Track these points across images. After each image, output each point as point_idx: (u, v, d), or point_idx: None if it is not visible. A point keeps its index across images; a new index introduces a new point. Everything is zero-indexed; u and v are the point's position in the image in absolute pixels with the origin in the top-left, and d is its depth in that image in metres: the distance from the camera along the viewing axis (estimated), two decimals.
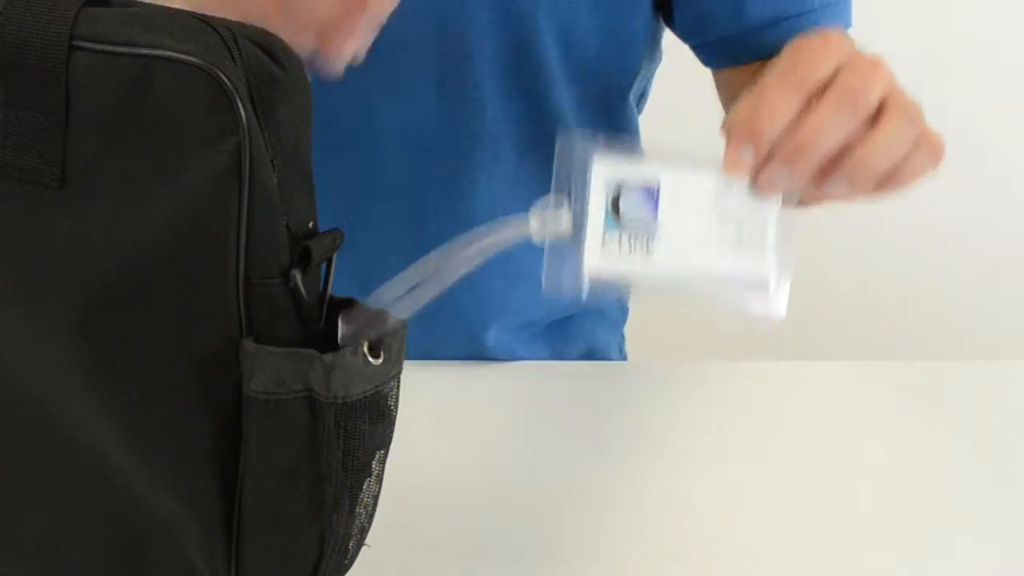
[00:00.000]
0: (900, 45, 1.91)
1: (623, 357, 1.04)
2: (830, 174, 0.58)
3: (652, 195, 0.55)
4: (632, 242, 0.55)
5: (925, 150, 0.60)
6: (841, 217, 1.98)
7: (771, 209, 0.57)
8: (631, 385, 0.89)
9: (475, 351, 0.90)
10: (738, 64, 0.83)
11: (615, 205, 0.55)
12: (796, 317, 2.20)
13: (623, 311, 1.03)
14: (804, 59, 0.58)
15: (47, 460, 0.54)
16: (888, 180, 0.60)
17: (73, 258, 0.50)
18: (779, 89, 0.56)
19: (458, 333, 0.89)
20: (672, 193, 0.56)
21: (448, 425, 0.79)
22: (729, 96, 0.85)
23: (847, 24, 0.84)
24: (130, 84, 0.48)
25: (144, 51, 0.47)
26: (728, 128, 0.59)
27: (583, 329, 0.96)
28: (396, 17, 0.58)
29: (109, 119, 0.48)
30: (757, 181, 0.56)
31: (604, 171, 0.55)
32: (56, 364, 0.51)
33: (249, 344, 0.49)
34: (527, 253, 0.88)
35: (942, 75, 1.90)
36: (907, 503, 0.72)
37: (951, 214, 1.97)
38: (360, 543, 0.57)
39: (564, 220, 0.55)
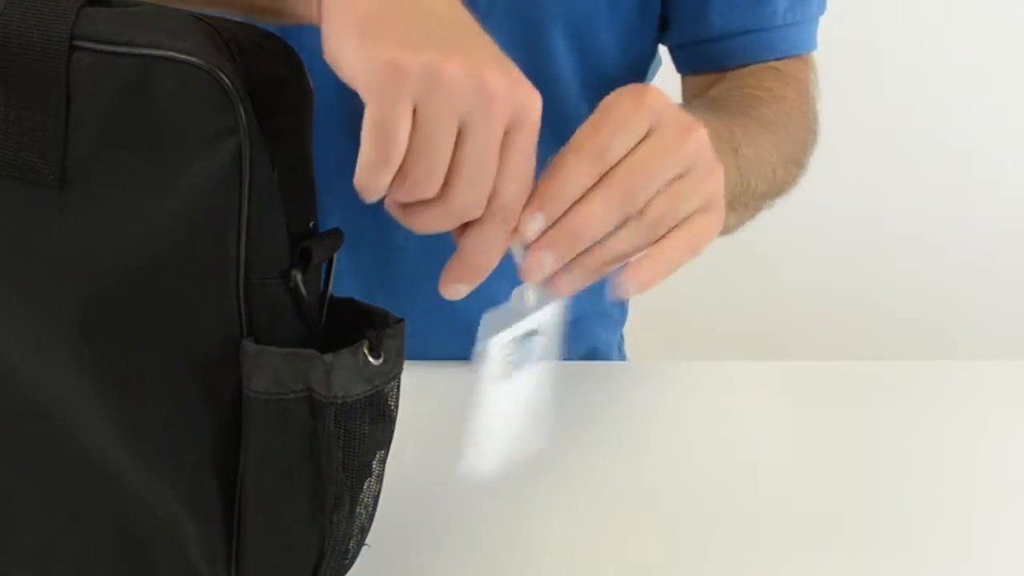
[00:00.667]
0: (900, 45, 1.93)
1: (622, 357, 1.04)
2: (623, 283, 0.55)
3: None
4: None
5: (684, 237, 0.56)
6: (841, 218, 2.00)
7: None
8: (630, 385, 0.89)
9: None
10: (698, 71, 0.84)
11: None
12: (796, 317, 2.20)
13: (623, 312, 1.03)
14: (605, 126, 0.53)
15: (47, 460, 0.54)
16: (648, 282, 0.56)
17: (73, 258, 0.50)
18: (574, 161, 0.52)
19: (457, 335, 0.89)
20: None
21: (448, 425, 0.79)
22: (687, 102, 0.85)
23: (811, 47, 0.84)
24: (130, 84, 0.48)
25: (144, 51, 0.47)
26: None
27: (585, 330, 0.96)
28: None
29: (109, 119, 0.48)
30: (524, 264, 0.54)
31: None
32: (56, 364, 0.51)
33: (249, 344, 0.49)
34: None
35: (941, 75, 1.90)
36: (907, 503, 0.72)
37: (951, 214, 1.97)
38: (360, 543, 0.57)
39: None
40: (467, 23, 0.51)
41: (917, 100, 1.91)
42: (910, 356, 1.26)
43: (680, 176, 0.55)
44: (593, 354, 0.98)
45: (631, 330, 1.04)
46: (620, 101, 0.55)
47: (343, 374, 0.49)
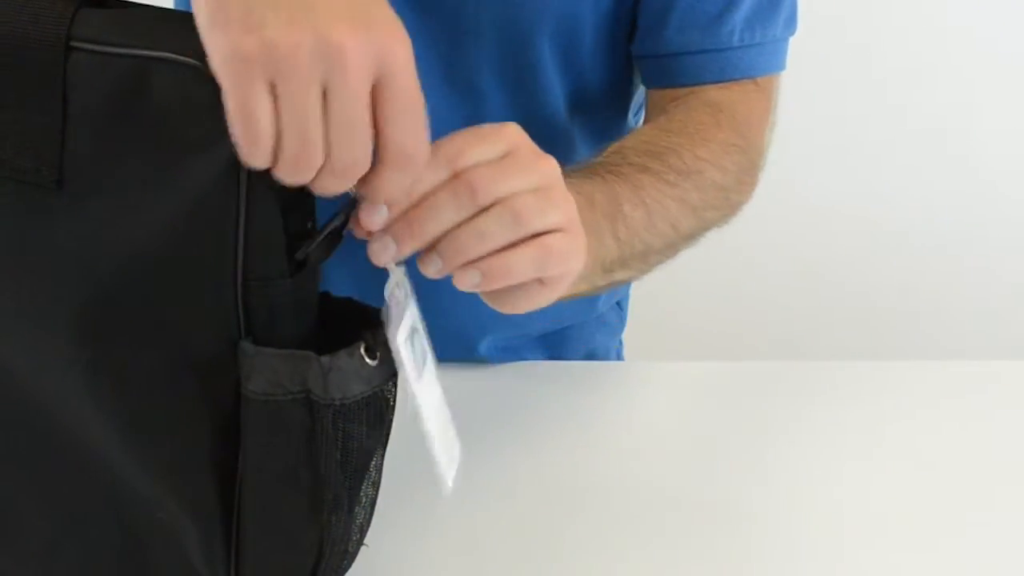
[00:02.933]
0: (900, 45, 1.92)
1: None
2: (429, 253, 0.55)
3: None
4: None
5: (530, 250, 0.56)
6: (841, 218, 2.00)
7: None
8: (629, 386, 0.89)
9: (471, 361, 0.90)
10: (656, 85, 0.84)
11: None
12: (796, 317, 2.20)
13: (621, 318, 1.03)
14: (465, 138, 0.55)
15: (47, 461, 0.54)
16: (488, 275, 0.56)
17: (72, 259, 0.50)
18: (431, 163, 0.53)
19: (448, 340, 0.89)
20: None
21: None
22: (650, 115, 0.85)
23: (771, 69, 0.83)
24: (128, 85, 0.48)
25: (142, 52, 0.47)
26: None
27: (584, 335, 0.96)
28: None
29: (107, 120, 0.48)
30: (369, 247, 0.54)
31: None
32: (55, 365, 0.51)
33: (247, 345, 0.49)
34: None
35: (941, 76, 1.90)
36: (907, 503, 0.72)
37: (951, 215, 1.97)
38: (359, 543, 0.57)
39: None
40: None
41: (917, 100, 1.91)
42: (910, 356, 1.25)
43: (532, 190, 0.56)
44: (591, 359, 0.98)
45: (631, 330, 1.04)
46: (483, 127, 0.57)
47: (340, 375, 0.49)
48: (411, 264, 0.56)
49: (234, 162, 0.48)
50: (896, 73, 1.90)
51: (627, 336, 1.04)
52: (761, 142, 0.83)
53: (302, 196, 0.51)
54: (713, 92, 0.81)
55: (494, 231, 0.55)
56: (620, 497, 0.72)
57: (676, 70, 0.82)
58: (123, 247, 0.49)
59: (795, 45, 0.86)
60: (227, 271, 0.49)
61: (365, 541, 0.58)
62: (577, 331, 0.95)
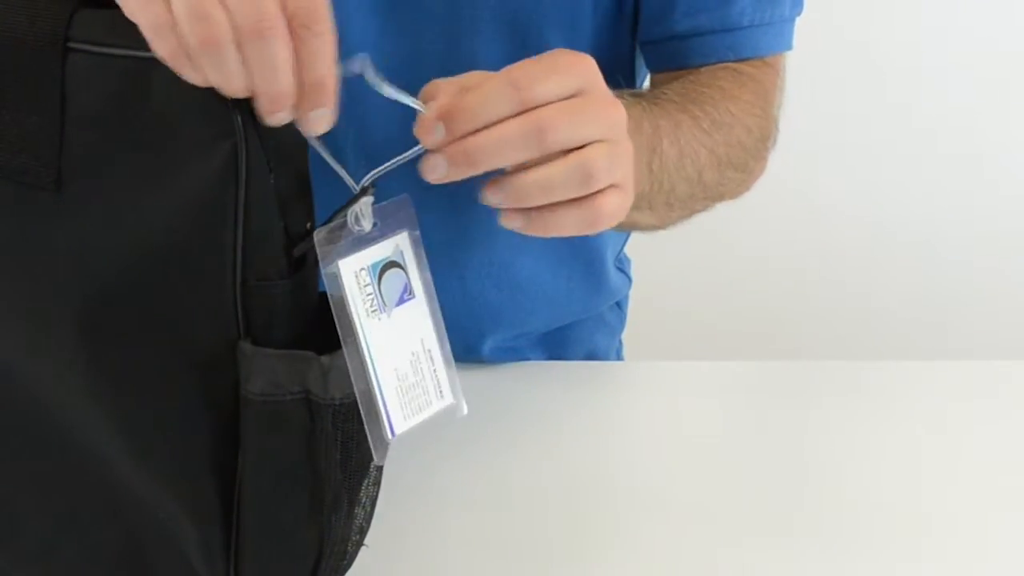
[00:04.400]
0: (900, 45, 1.92)
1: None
2: (492, 187, 0.55)
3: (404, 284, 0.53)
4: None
5: (582, 211, 0.56)
6: (840, 218, 1.99)
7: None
8: (629, 386, 0.89)
9: (471, 361, 0.90)
10: (663, 69, 0.84)
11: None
12: (796, 317, 2.20)
13: (621, 317, 1.03)
14: (541, 68, 0.54)
15: (46, 461, 0.54)
16: (535, 225, 0.56)
17: (70, 260, 0.50)
18: (500, 86, 0.52)
19: (452, 343, 0.89)
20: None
21: (446, 426, 0.79)
22: None
23: (778, 48, 0.84)
24: (126, 86, 0.48)
25: (140, 53, 0.47)
26: (433, 91, 0.56)
27: (583, 335, 0.96)
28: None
29: (105, 121, 0.48)
30: (421, 163, 0.53)
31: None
32: (55, 365, 0.51)
33: (246, 346, 0.49)
34: (523, 265, 0.88)
35: (942, 75, 1.90)
36: (907, 503, 0.72)
37: (952, 215, 1.97)
38: (359, 544, 0.57)
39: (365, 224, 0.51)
40: None
41: (917, 100, 1.91)
42: (910, 356, 1.25)
43: (596, 141, 0.55)
44: (591, 359, 0.98)
45: (630, 330, 1.04)
46: (562, 55, 0.55)
47: (340, 376, 0.49)
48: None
49: (233, 162, 0.48)
50: (896, 72, 1.90)
51: (627, 336, 1.04)
52: (775, 114, 0.84)
53: (301, 196, 0.51)
54: (724, 67, 0.81)
55: (563, 185, 0.55)
56: (619, 497, 0.72)
57: (686, 52, 0.81)
58: (122, 247, 0.49)
59: (795, 44, 0.86)
60: (226, 272, 0.49)
61: (365, 541, 0.58)
62: (577, 331, 0.95)
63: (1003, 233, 1.98)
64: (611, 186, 0.57)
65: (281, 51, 0.45)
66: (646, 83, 0.90)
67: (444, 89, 0.56)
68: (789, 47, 0.85)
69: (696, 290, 1.95)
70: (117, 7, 0.50)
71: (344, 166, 0.50)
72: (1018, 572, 0.66)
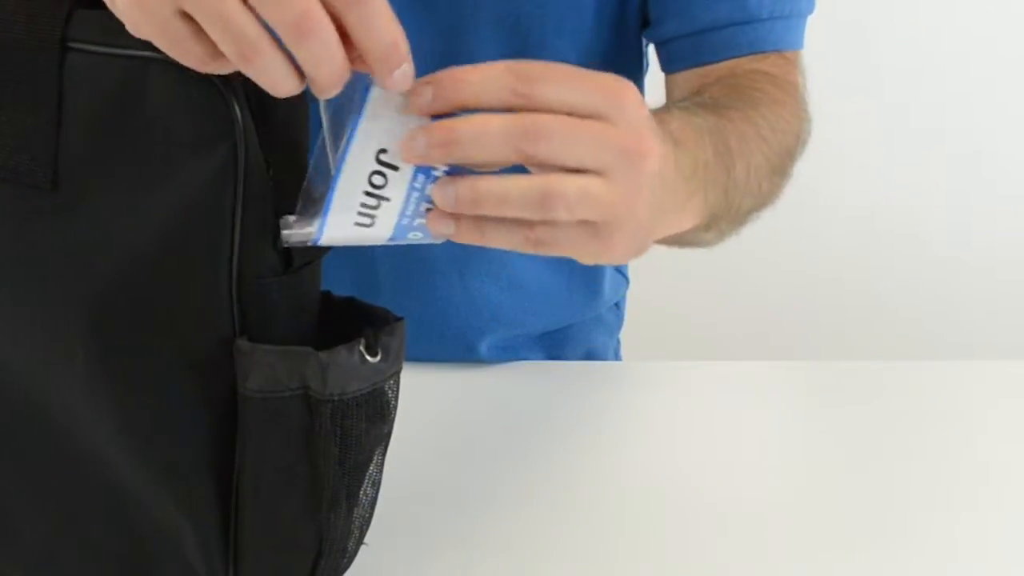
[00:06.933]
0: (899, 44, 1.92)
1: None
2: (440, 182, 0.48)
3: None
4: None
5: (532, 231, 0.49)
6: (840, 218, 1.99)
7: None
8: (628, 385, 0.89)
9: (470, 361, 0.90)
10: (680, 68, 0.83)
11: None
12: (796, 317, 2.20)
13: (619, 316, 1.03)
14: (564, 74, 0.48)
15: (45, 461, 0.54)
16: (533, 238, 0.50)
17: (67, 259, 0.50)
18: (504, 72, 0.47)
19: (452, 343, 0.89)
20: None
21: (446, 425, 0.79)
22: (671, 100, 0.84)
23: (797, 45, 0.83)
24: (124, 85, 0.48)
25: (138, 52, 0.47)
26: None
27: (580, 335, 0.96)
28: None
29: (103, 120, 0.48)
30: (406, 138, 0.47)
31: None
32: (52, 365, 0.51)
33: (243, 343, 0.49)
34: (523, 264, 0.88)
35: (941, 75, 1.90)
36: (907, 503, 0.72)
37: (951, 214, 1.97)
38: (359, 542, 0.57)
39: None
40: None
41: (917, 100, 1.91)
42: (910, 356, 1.26)
43: (596, 172, 0.49)
44: (590, 359, 0.98)
45: (629, 330, 1.04)
46: (603, 75, 0.49)
47: (339, 372, 0.49)
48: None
49: (232, 161, 0.48)
50: (896, 71, 1.90)
51: (625, 336, 1.04)
52: (808, 107, 0.81)
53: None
54: (747, 64, 0.80)
55: (514, 204, 0.48)
56: (619, 496, 0.72)
57: (705, 47, 0.80)
58: (119, 247, 0.49)
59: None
60: (223, 270, 0.49)
61: (365, 540, 0.58)
62: (575, 331, 0.95)
63: (1003, 233, 1.98)
64: (583, 222, 0.50)
65: (329, 41, 0.43)
66: (648, 85, 0.90)
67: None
68: (803, 45, 0.83)
69: (694, 290, 1.95)
70: None
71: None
72: (1007, 571, 0.66)
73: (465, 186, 0.48)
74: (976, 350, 1.93)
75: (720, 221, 0.67)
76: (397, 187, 0.48)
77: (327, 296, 0.54)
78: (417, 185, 0.48)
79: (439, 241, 0.51)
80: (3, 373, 0.53)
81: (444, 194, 0.48)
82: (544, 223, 0.49)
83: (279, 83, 0.45)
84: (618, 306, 1.02)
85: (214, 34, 0.44)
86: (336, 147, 0.47)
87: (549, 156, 0.48)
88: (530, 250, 0.51)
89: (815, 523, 0.69)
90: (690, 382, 0.88)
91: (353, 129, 0.47)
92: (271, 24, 0.43)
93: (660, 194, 0.53)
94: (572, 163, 0.48)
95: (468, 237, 0.50)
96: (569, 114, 0.48)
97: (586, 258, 0.52)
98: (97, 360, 0.50)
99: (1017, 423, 0.83)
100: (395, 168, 0.48)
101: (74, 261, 0.50)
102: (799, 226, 1.92)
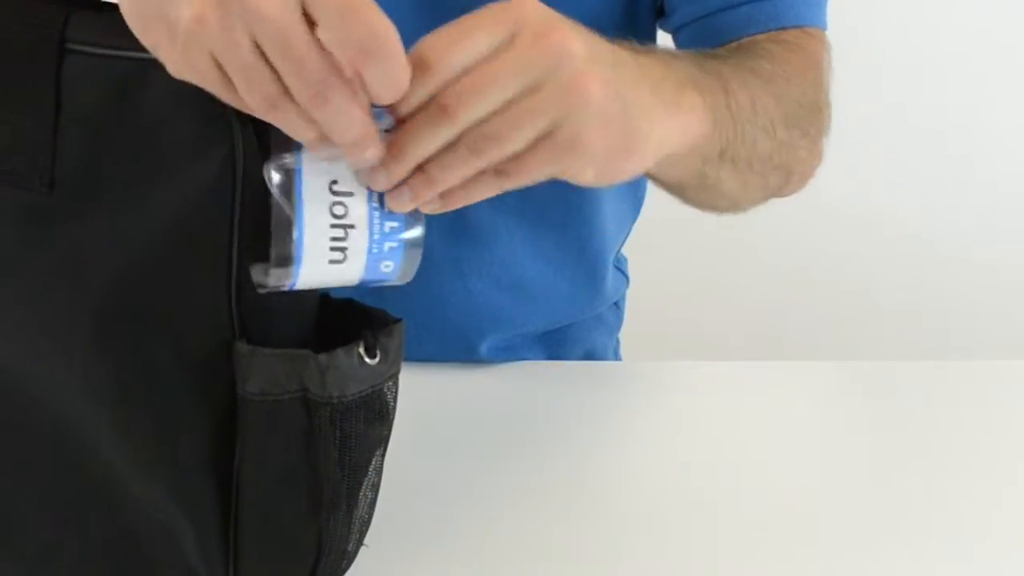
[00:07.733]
0: (899, 44, 1.92)
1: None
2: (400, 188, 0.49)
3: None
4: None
5: (544, 147, 0.49)
6: (840, 217, 1.99)
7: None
8: (628, 385, 0.89)
9: (470, 361, 0.90)
10: (704, 47, 0.81)
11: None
12: (795, 317, 2.20)
13: (619, 316, 1.03)
14: (453, 32, 0.47)
15: (45, 463, 0.54)
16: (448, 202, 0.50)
17: (66, 262, 0.50)
18: (413, 71, 0.46)
19: (452, 343, 0.89)
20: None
21: (446, 426, 0.79)
22: None
23: (817, 22, 0.80)
24: (122, 87, 0.48)
25: (137, 54, 0.47)
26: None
27: (580, 335, 0.96)
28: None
29: (101, 122, 0.48)
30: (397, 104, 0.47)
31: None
32: (52, 367, 0.51)
33: (243, 346, 0.49)
34: (523, 264, 0.88)
35: (941, 74, 1.90)
36: (907, 503, 0.72)
37: (951, 214, 1.97)
38: (359, 543, 0.57)
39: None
40: None
41: (917, 100, 1.91)
42: (910, 356, 1.25)
43: (530, 91, 0.47)
44: (589, 359, 0.98)
45: (629, 330, 1.04)
46: (483, 11, 0.48)
47: (338, 374, 0.49)
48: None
49: (230, 164, 0.48)
50: (896, 71, 1.90)
51: (625, 336, 1.04)
52: (827, 88, 0.78)
53: None
54: (765, 40, 0.77)
55: (454, 163, 0.48)
56: (619, 496, 0.72)
57: (722, 27, 0.78)
58: (117, 250, 0.49)
59: None
60: (222, 272, 0.49)
61: (365, 541, 0.58)
62: (575, 331, 0.95)
63: (1004, 233, 1.98)
64: (539, 138, 0.49)
65: (346, 104, 0.44)
66: None
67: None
68: (826, 25, 0.81)
69: (694, 290, 1.95)
70: (114, 8, 0.50)
71: None
72: (1000, 569, 0.66)
73: (393, 146, 0.48)
74: (976, 350, 1.93)
75: (734, 149, 0.64)
76: (358, 209, 0.49)
77: (326, 298, 0.54)
78: (375, 203, 0.49)
79: (407, 278, 0.51)
80: (3, 374, 0.53)
81: (383, 164, 0.48)
82: (501, 157, 0.49)
83: (299, 134, 0.46)
84: (618, 305, 1.02)
85: (240, 88, 0.44)
86: (288, 198, 0.47)
87: (471, 118, 0.47)
88: (505, 186, 0.50)
89: (815, 523, 0.70)
90: (690, 382, 0.88)
91: (299, 174, 0.48)
92: (287, 84, 0.44)
93: (625, 82, 0.52)
94: (489, 109, 0.47)
95: (424, 195, 0.49)
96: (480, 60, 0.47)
97: (575, 174, 0.51)
98: (96, 362, 0.50)
99: (1017, 423, 0.83)
100: (351, 194, 0.49)
101: (73, 263, 0.50)
102: (799, 226, 1.92)
